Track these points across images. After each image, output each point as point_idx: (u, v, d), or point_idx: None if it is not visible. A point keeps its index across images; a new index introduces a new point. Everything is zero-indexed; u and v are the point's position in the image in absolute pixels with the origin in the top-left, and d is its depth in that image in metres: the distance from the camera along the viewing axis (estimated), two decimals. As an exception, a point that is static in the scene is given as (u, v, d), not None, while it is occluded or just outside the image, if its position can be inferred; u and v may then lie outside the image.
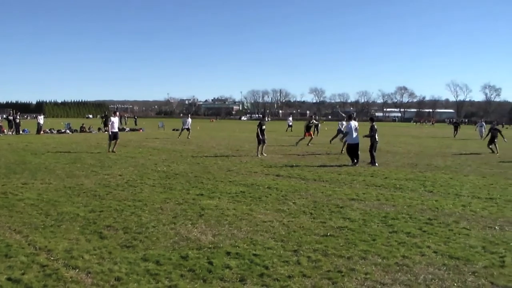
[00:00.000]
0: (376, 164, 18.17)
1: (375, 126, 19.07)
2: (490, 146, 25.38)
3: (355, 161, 18.29)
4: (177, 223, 8.58)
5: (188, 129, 35.22)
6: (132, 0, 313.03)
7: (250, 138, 33.86)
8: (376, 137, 18.85)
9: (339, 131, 27.19)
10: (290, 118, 59.28)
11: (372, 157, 18.59)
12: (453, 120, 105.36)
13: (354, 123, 18.61)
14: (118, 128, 24.08)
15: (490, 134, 26.22)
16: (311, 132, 29.93)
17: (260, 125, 21.72)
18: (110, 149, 22.42)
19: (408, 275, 6.04)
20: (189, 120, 36.21)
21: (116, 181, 13.38)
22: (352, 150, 18.52)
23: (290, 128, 52.68)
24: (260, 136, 21.54)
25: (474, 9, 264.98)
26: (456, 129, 46.77)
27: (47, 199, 10.57)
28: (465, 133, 45.00)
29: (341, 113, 70.59)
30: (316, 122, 32.21)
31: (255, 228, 8.28)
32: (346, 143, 19.29)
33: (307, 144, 28.90)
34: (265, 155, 21.48)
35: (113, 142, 22.62)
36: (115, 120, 23.52)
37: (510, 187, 13.55)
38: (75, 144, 27.37)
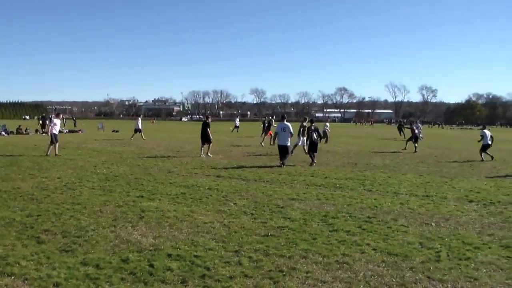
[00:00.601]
0: (314, 163, 18.48)
1: (312, 127, 19.38)
2: (415, 144, 27.38)
3: (282, 162, 18.25)
4: (117, 225, 8.44)
5: (135, 130, 34.59)
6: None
7: (190, 139, 33.92)
8: (314, 136, 19.04)
9: (324, 133, 28.03)
10: (237, 119, 59.48)
11: (312, 157, 18.85)
12: (391, 121, 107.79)
13: (282, 124, 18.61)
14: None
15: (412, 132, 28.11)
16: (270, 132, 31.09)
17: (209, 126, 21.72)
18: (55, 152, 21.27)
19: (349, 273, 6.17)
20: (139, 119, 35.55)
21: (54, 184, 13.02)
22: (280, 151, 18.50)
23: (237, 129, 52.80)
24: (211, 136, 21.68)
25: (411, 10, 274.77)
26: (400, 129, 47.40)
27: (-20, 204, 10.16)
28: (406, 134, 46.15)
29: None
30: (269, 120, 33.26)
31: (196, 230, 8.24)
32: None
33: (261, 143, 29.87)
34: (203, 156, 21.45)
35: (53, 145, 21.51)
36: (57, 121, 22.73)
37: (445, 184, 14.07)
38: (11, 147, 26.36)
